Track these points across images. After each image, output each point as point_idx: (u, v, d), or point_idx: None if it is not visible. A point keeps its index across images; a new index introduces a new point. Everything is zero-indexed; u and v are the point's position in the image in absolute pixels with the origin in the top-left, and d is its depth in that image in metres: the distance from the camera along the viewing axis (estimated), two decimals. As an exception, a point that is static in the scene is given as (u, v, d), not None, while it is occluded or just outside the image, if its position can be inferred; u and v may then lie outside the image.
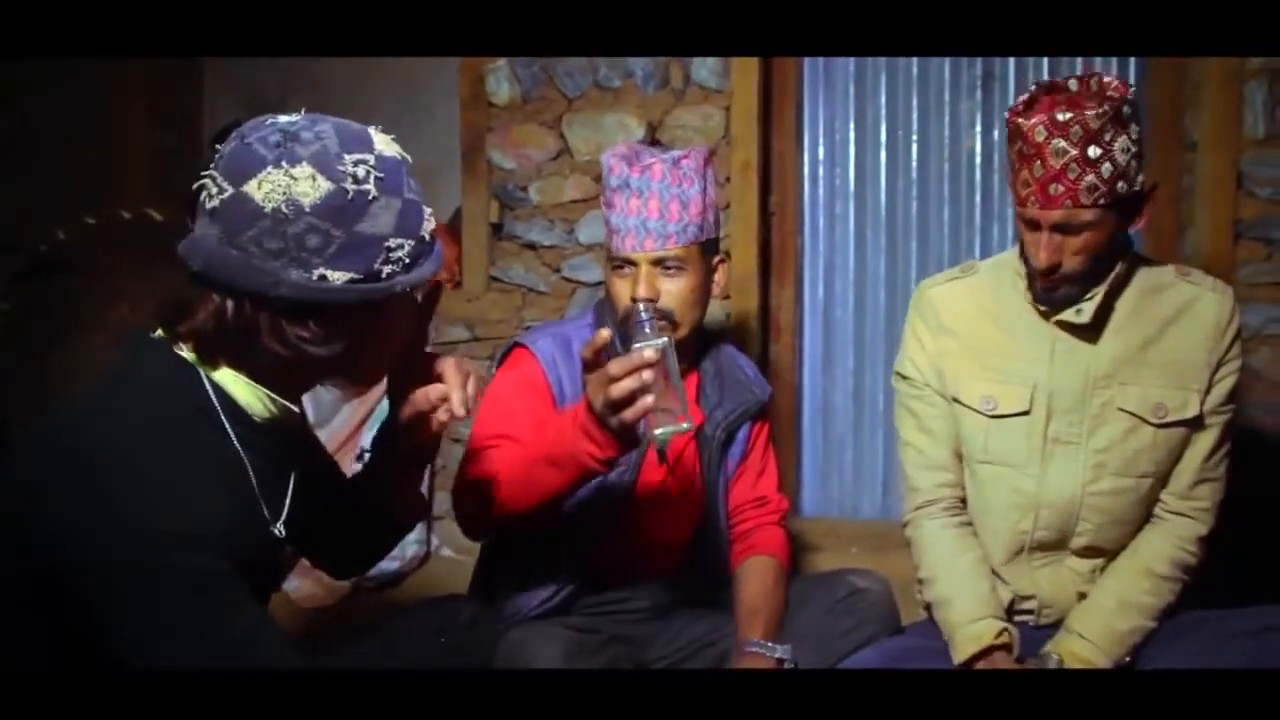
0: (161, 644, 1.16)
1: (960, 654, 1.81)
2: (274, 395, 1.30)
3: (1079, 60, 2.85)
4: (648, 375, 1.53)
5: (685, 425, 1.57)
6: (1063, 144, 1.66)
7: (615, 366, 1.53)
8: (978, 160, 2.94)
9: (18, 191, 2.72)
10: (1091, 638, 1.80)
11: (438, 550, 3.06)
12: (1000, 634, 1.80)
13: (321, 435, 2.87)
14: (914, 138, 2.97)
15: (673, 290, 1.87)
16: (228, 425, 1.27)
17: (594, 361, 1.58)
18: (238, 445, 1.28)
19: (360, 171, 1.21)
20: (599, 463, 1.62)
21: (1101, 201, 1.68)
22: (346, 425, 2.94)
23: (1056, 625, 1.88)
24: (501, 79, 2.97)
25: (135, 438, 1.18)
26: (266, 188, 1.18)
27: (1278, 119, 2.58)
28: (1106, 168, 1.67)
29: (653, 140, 2.91)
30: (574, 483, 1.68)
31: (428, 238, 1.29)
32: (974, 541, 1.91)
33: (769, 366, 3.04)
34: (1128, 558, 1.86)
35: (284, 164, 1.18)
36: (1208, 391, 1.82)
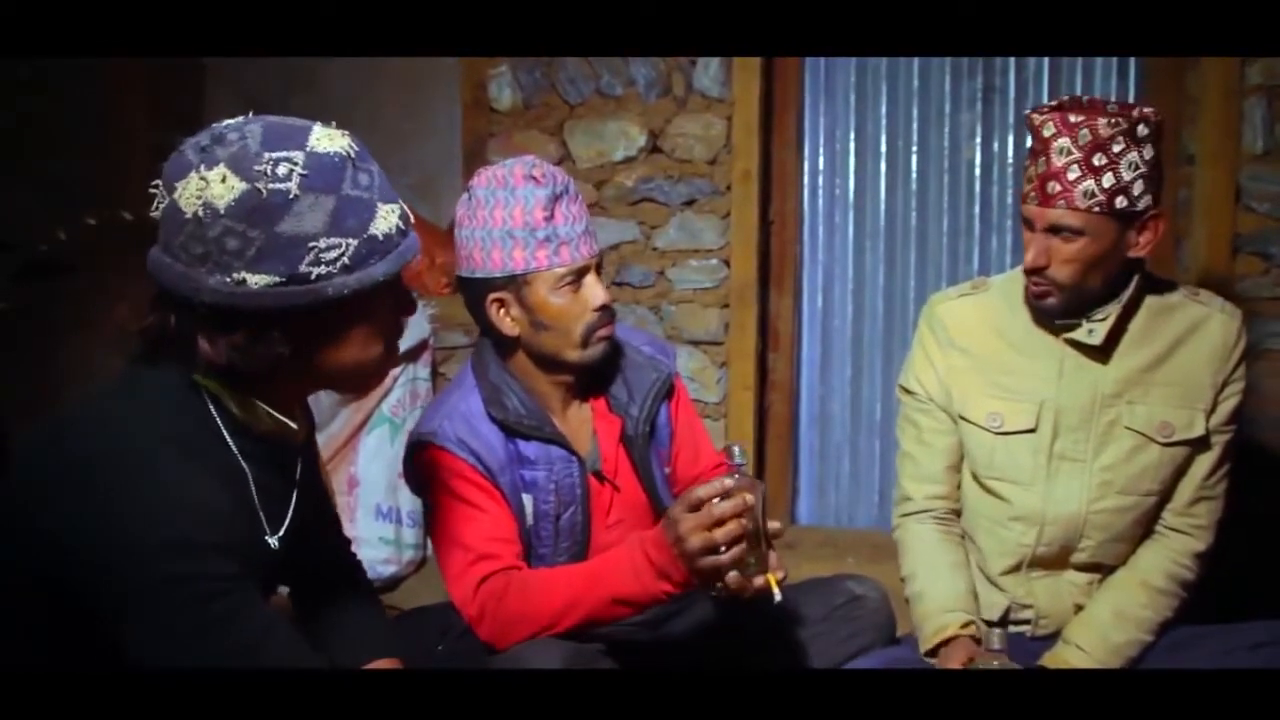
0: (175, 650, 1.16)
1: (925, 643, 1.82)
2: (272, 411, 1.28)
3: (1079, 62, 2.87)
4: (747, 522, 1.52)
5: (760, 582, 1.57)
6: (1068, 144, 1.67)
7: (721, 510, 1.50)
8: (977, 171, 2.95)
9: (18, 191, 2.72)
10: (1087, 649, 1.80)
11: (434, 554, 3.06)
12: (966, 625, 1.80)
13: (319, 439, 2.87)
14: (914, 148, 2.98)
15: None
16: (229, 438, 1.26)
17: (699, 504, 1.53)
18: (239, 457, 1.27)
19: (281, 170, 1.15)
20: (670, 596, 1.62)
21: (1096, 209, 1.68)
22: (345, 429, 2.94)
23: (1053, 637, 1.87)
24: (503, 85, 2.98)
25: (142, 449, 1.18)
26: (187, 193, 1.15)
27: (1276, 135, 2.59)
28: (1108, 178, 1.67)
29: (654, 148, 2.93)
30: (641, 610, 1.68)
31: (381, 237, 1.22)
32: (958, 547, 1.92)
33: (767, 375, 3.04)
34: (1125, 571, 1.86)
35: (202, 167, 1.15)
36: (1212, 411, 1.82)
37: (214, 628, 1.16)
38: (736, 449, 1.59)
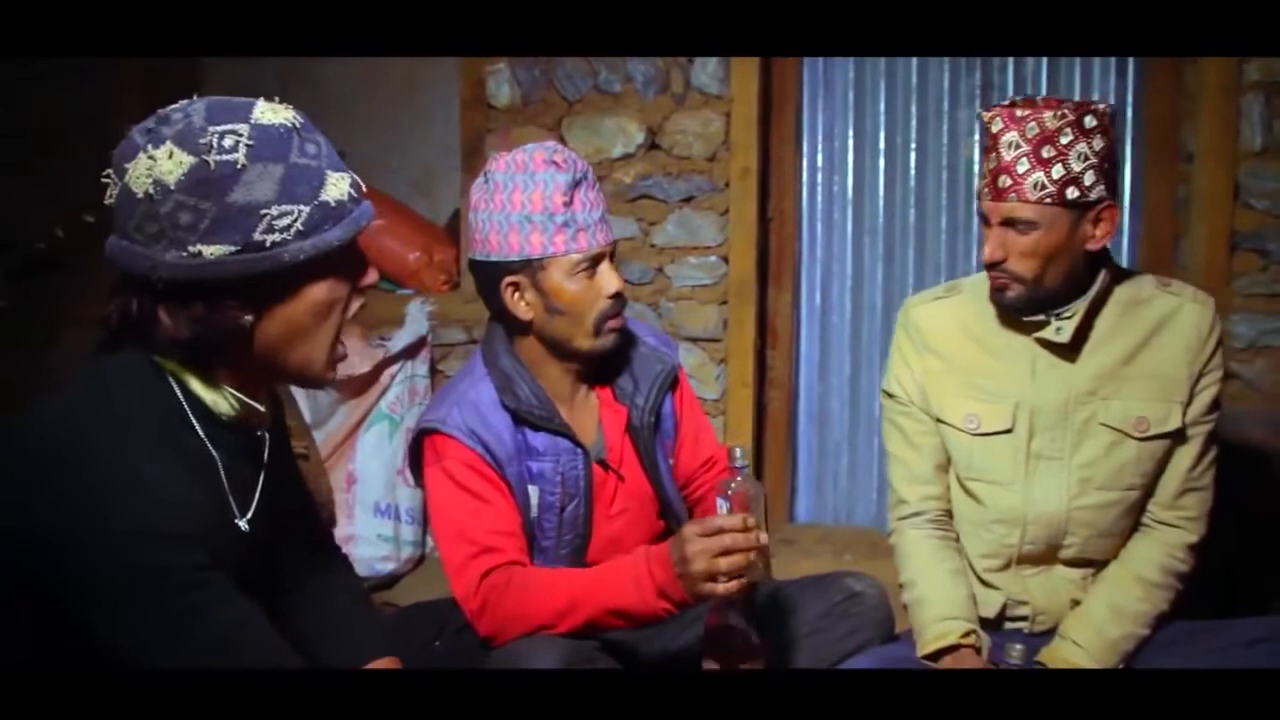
0: (149, 641, 1.16)
1: (925, 648, 1.82)
2: (237, 394, 1.29)
3: (1078, 62, 2.87)
4: (755, 558, 1.53)
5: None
6: (1016, 138, 1.69)
7: (734, 540, 1.52)
8: (975, 169, 2.95)
9: (17, 190, 2.72)
10: (1084, 644, 1.80)
11: (433, 552, 3.06)
12: (968, 634, 1.81)
13: (318, 436, 2.87)
14: (912, 146, 2.98)
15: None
16: (196, 424, 1.27)
17: (716, 530, 1.55)
18: (208, 444, 1.28)
19: (227, 142, 1.17)
20: (668, 614, 1.63)
21: (1048, 201, 1.69)
22: (343, 426, 2.94)
23: (1050, 633, 1.88)
24: (502, 81, 2.98)
25: (113, 438, 1.18)
26: (137, 174, 1.17)
27: (1275, 132, 2.59)
28: (1057, 170, 1.68)
29: (652, 145, 2.93)
30: (638, 624, 1.69)
31: (334, 203, 1.23)
32: (955, 553, 1.92)
33: (765, 372, 3.05)
34: (1119, 566, 1.86)
35: (149, 147, 1.17)
36: (1189, 402, 1.82)
37: (188, 619, 1.17)
38: (738, 451, 1.60)
